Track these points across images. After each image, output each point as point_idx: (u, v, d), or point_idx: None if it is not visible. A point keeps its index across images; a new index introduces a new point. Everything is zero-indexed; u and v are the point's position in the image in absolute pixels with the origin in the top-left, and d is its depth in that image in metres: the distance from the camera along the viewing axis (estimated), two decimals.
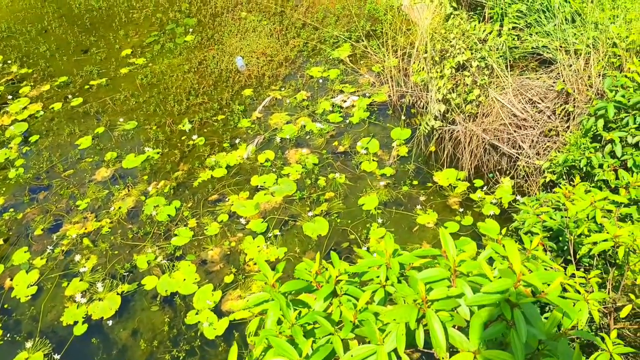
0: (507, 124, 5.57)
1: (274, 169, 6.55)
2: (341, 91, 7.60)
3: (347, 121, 7.13)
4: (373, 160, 6.49)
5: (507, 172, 5.85)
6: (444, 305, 1.79)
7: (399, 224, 5.68)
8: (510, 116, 5.52)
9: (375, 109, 7.27)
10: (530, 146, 5.49)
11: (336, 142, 6.83)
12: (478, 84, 5.63)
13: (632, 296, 2.82)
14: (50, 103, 8.18)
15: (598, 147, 4.49)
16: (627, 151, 4.24)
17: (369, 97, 7.42)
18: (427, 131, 6.36)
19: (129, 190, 6.50)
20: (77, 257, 5.77)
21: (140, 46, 9.38)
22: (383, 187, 6.11)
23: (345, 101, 7.41)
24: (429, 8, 7.38)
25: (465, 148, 5.88)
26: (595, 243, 2.87)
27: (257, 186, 6.36)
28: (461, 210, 5.71)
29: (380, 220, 5.72)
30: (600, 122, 4.45)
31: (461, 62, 5.67)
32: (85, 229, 6.13)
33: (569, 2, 5.56)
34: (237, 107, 7.56)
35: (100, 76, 8.70)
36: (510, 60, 5.73)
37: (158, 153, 7.01)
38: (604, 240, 2.67)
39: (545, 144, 5.40)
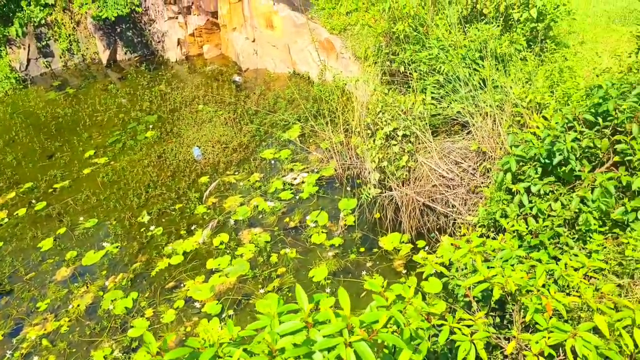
0: (438, 185, 5.93)
1: (228, 251, 6.78)
2: (291, 170, 8.00)
3: (298, 197, 7.47)
4: (322, 232, 6.76)
5: (446, 230, 6.14)
6: (295, 352, 2.00)
7: (348, 291, 5.84)
8: (439, 177, 5.90)
9: (324, 183, 7.64)
10: (460, 203, 5.82)
11: (287, 219, 7.13)
12: (405, 151, 6.05)
13: (514, 332, 3.03)
14: (15, 209, 8.45)
15: (510, 198, 4.83)
16: (533, 199, 4.58)
17: (318, 172, 7.82)
18: (369, 199, 6.70)
19: (87, 287, 6.65)
20: (36, 359, 5.81)
21: (103, 146, 9.83)
22: (332, 257, 6.34)
23: (295, 178, 7.79)
24: (366, 85, 7.99)
25: (404, 212, 6.20)
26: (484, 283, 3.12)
27: (212, 269, 6.55)
28: (405, 272, 5.93)
29: (328, 290, 5.90)
30: (509, 176, 4.81)
31: (389, 133, 6.12)
32: (45, 329, 6.20)
33: (478, 71, 6.12)
34: (194, 194, 7.89)
35: (63, 179, 9.05)
36: (434, 127, 6.20)
37: (117, 247, 7.22)
38: (481, 282, 2.92)
39: (473, 200, 5.74)
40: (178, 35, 12.70)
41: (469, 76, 6.00)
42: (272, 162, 8.36)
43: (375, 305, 2.57)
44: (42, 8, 13.45)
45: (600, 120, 4.27)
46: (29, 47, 13.88)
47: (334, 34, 9.77)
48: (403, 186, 6.16)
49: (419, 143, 6.08)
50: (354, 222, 6.80)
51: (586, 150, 4.36)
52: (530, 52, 6.50)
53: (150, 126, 10.11)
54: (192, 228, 7.30)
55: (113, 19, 12.16)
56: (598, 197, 3.89)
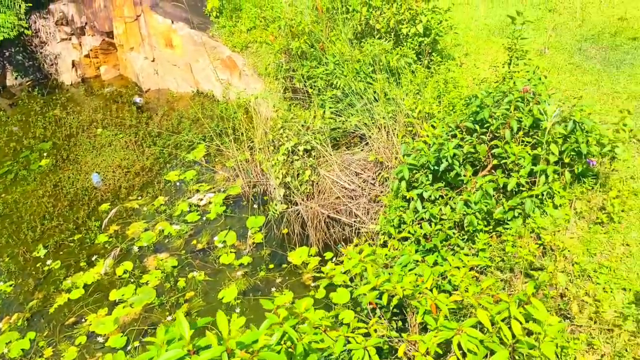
0: (341, 197, 6.06)
1: (132, 280, 6.49)
2: (197, 191, 7.85)
3: (205, 218, 7.32)
4: (231, 252, 6.67)
5: (352, 239, 6.27)
6: None
7: (257, 309, 5.81)
8: (341, 189, 6.03)
9: (231, 202, 7.56)
10: (363, 213, 5.98)
11: (195, 241, 6.96)
12: (308, 165, 6.14)
13: (405, 335, 3.16)
14: None
15: (407, 205, 5.03)
16: (426, 205, 4.80)
17: (224, 192, 7.72)
18: (276, 215, 6.71)
19: None
20: None
21: None
22: (241, 277, 6.27)
23: (201, 199, 7.65)
24: (267, 102, 8.04)
25: (310, 225, 6.26)
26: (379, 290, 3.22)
27: (116, 300, 6.25)
28: (314, 285, 5.99)
29: (238, 310, 5.82)
30: (403, 184, 5.02)
31: (290, 148, 6.19)
32: None
33: (372, 85, 6.36)
34: (94, 223, 7.51)
35: None
36: (334, 140, 6.35)
37: (10, 285, 6.70)
38: (372, 289, 3.02)
39: (375, 209, 5.92)
40: (72, 57, 12.12)
41: (364, 90, 6.22)
42: (177, 184, 8.16)
43: (268, 324, 2.57)
44: None
45: (477, 127, 4.58)
46: None
47: (235, 51, 9.75)
48: (308, 200, 6.23)
49: (321, 157, 6.20)
50: (263, 239, 6.78)
51: (469, 155, 4.65)
52: (420, 64, 6.85)
53: (45, 154, 9.52)
54: (93, 259, 6.93)
55: None
56: (479, 199, 4.16)
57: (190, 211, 7.50)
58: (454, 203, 4.52)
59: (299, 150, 6.14)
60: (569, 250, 4.13)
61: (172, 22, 10.41)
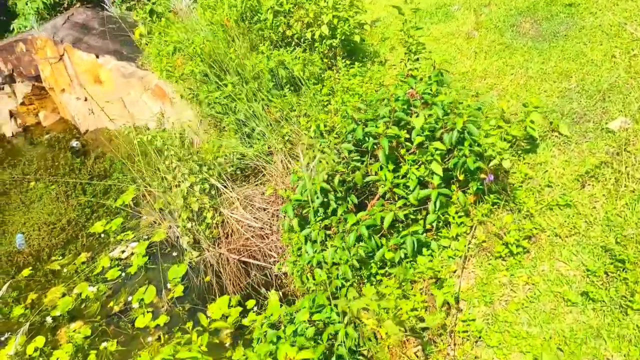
0: (251, 237, 5.27)
1: (41, 358, 5.79)
2: (121, 241, 7.12)
3: (125, 273, 6.59)
4: (148, 311, 5.92)
5: (273, 283, 5.48)
6: None
7: None
8: (248, 228, 5.24)
9: (154, 250, 6.82)
10: (278, 252, 5.19)
11: (112, 302, 6.24)
12: (208, 206, 5.36)
13: None
14: None
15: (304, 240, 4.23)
16: (315, 247, 3.99)
17: (148, 239, 6.98)
18: (193, 263, 5.96)
19: None
20: None
21: None
22: (155, 342, 5.51)
23: (124, 251, 6.92)
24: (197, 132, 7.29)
25: (222, 273, 5.49)
26: None
27: None
28: (231, 342, 5.21)
29: None
30: (295, 222, 4.21)
31: (187, 189, 5.42)
32: None
33: (273, 102, 5.56)
34: (11, 295, 6.83)
35: None
36: (236, 173, 5.56)
37: None
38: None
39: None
40: (8, 106, 11.50)
41: (262, 111, 5.43)
42: (102, 235, 7.45)
43: None
44: None
45: (353, 149, 3.75)
46: None
47: (162, 79, 9.03)
48: (217, 246, 5.45)
49: (221, 195, 5.42)
50: (183, 292, 6.02)
51: (348, 183, 3.83)
52: (333, 70, 6.04)
53: None
54: (5, 337, 6.25)
55: None
56: (353, 243, 3.34)
57: (111, 267, 6.78)
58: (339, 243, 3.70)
59: (194, 190, 5.37)
60: (461, 300, 3.28)
61: (97, 56, 9.73)
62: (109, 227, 7.54)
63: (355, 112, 3.81)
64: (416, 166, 3.67)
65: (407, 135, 3.75)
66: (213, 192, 5.39)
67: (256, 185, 5.30)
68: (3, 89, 11.29)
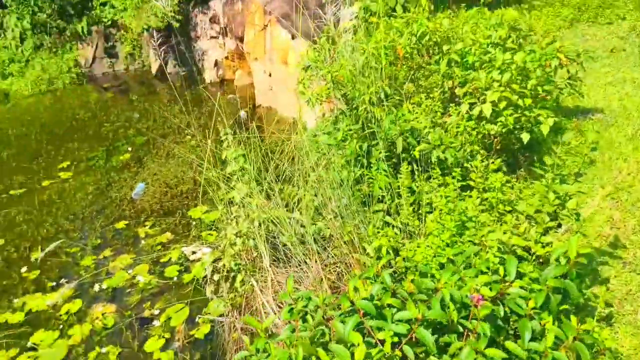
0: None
1: (61, 325, 5.57)
2: (198, 238, 6.58)
3: (178, 279, 6.02)
4: (165, 336, 5.24)
5: None
6: None
7: None
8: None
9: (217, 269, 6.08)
10: None
11: (148, 304, 5.72)
12: (242, 268, 4.31)
13: None
14: None
15: None
16: None
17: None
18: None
19: None
20: None
21: (81, 159, 9.31)
22: None
23: (195, 252, 6.36)
24: None
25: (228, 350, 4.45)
26: None
27: (32, 344, 5.39)
28: None
29: None
30: None
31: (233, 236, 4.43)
32: None
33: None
34: (93, 241, 6.86)
35: (22, 186, 8.64)
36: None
37: None
38: None
39: None
40: (216, 56, 11.95)
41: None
42: (194, 223, 7.01)
43: None
44: (112, 9, 13.64)
45: None
46: (96, 45, 14.19)
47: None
48: (234, 313, 4.42)
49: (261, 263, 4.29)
50: (206, 336, 5.17)
51: None
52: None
53: (130, 149, 9.39)
54: (63, 281, 6.25)
55: (161, 29, 11.84)
56: None
57: (176, 262, 6.28)
58: None
59: (235, 243, 4.36)
60: None
61: (293, 37, 9.24)
62: (204, 216, 7.07)
63: None
64: None
65: None
66: (256, 254, 4.33)
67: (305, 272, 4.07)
68: (218, 38, 11.66)
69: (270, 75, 9.96)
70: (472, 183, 3.89)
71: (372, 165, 4.33)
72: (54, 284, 6.23)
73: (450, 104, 5.19)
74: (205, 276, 5.61)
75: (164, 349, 5.11)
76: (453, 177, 3.97)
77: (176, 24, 11.66)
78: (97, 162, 9.14)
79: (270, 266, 4.22)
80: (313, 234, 4.06)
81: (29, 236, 7.22)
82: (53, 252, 6.74)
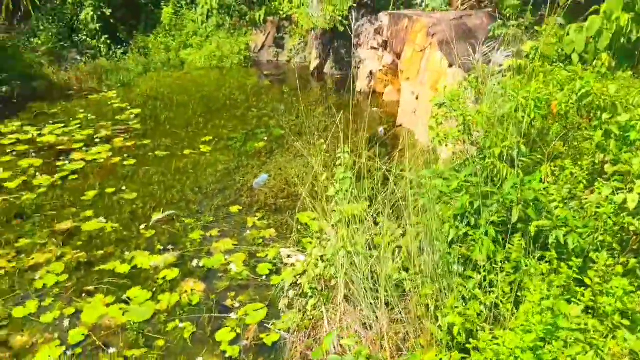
0: None
1: (154, 290, 5.95)
2: (298, 243, 6.60)
3: (267, 278, 6.09)
4: (236, 330, 5.33)
5: None
6: None
7: None
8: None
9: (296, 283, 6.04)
10: None
11: (233, 294, 5.87)
12: (317, 294, 4.17)
13: None
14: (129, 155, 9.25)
15: None
16: None
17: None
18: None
19: None
20: None
21: (221, 138, 9.94)
22: None
23: (290, 256, 6.39)
24: None
25: None
26: None
27: (124, 297, 5.84)
28: None
29: None
30: None
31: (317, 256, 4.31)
32: None
33: None
34: (206, 218, 7.26)
35: (167, 150, 9.48)
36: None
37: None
38: None
39: None
40: (372, 67, 11.95)
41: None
42: (299, 227, 7.04)
43: None
44: (289, 4, 14.35)
45: None
46: (268, 34, 15.08)
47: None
48: (299, 334, 4.30)
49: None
50: (273, 343, 5.15)
51: None
52: None
53: (265, 138, 9.80)
54: (170, 247, 6.70)
55: (327, 30, 12.20)
56: None
57: (270, 262, 6.37)
58: None
59: (317, 265, 4.22)
60: None
61: (451, 66, 8.87)
62: (311, 224, 7.07)
63: None
64: None
65: None
66: (335, 283, 4.16)
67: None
68: (378, 50, 11.67)
69: (417, 98, 9.69)
70: (587, 281, 3.34)
71: (479, 226, 3.93)
72: (162, 248, 6.67)
73: (599, 178, 4.53)
74: (293, 283, 5.60)
75: (232, 343, 5.19)
76: (570, 267, 3.44)
77: (341, 28, 11.88)
78: (234, 143, 9.66)
79: (342, 301, 4.05)
80: (387, 282, 3.80)
81: (157, 197, 7.85)
82: (170, 218, 7.25)
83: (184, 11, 15.77)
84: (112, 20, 15.00)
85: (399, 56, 10.51)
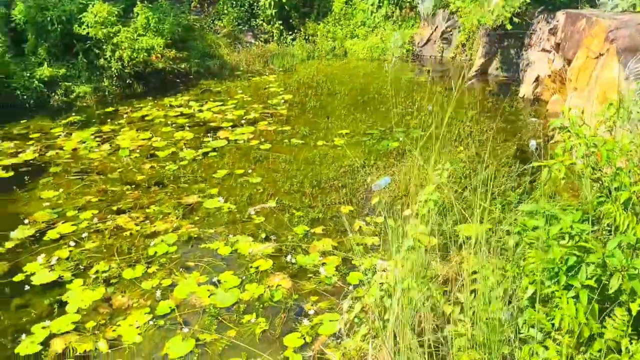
0: None
1: (244, 277, 6.02)
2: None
3: (354, 288, 5.75)
4: (305, 338, 5.12)
5: None
6: None
7: None
8: None
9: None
10: None
11: (315, 298, 5.66)
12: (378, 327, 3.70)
13: None
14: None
15: None
16: None
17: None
18: None
19: None
20: None
21: (357, 133, 9.75)
22: None
23: (385, 271, 5.94)
24: None
25: None
26: None
27: (215, 280, 6.01)
28: None
29: None
30: None
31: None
32: None
33: None
34: (314, 214, 7.15)
35: (302, 139, 9.60)
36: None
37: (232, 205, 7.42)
38: None
39: None
40: (540, 71, 10.60)
41: None
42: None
43: None
44: None
45: None
46: (435, 28, 14.40)
47: None
48: None
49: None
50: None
51: None
52: None
53: (400, 139, 9.33)
54: (272, 237, 6.74)
55: (493, 28, 11.17)
56: None
57: (362, 272, 6.00)
58: None
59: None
60: None
61: (627, 78, 7.40)
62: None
63: None
64: None
65: None
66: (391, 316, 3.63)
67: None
68: (550, 53, 10.35)
69: (582, 112, 8.28)
70: None
71: (571, 288, 3.12)
72: (265, 236, 6.74)
73: None
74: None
75: (297, 350, 5.00)
76: None
77: (509, 26, 10.70)
78: (368, 140, 9.39)
79: (388, 337, 3.56)
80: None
81: (277, 185, 7.97)
82: (282, 208, 7.30)
83: (355, 0, 15.77)
84: (286, 7, 15.63)
85: (569, 62, 9.10)
